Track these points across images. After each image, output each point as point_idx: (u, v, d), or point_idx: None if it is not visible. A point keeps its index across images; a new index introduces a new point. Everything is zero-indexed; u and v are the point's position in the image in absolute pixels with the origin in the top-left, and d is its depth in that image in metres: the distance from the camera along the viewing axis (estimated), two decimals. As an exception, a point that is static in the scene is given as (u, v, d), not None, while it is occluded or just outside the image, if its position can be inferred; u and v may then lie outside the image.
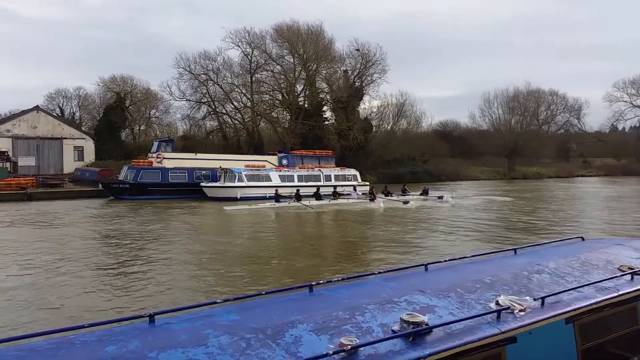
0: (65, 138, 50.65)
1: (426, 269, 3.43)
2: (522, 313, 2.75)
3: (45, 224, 20.56)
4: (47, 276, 10.92)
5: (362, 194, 31.50)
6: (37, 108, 51.46)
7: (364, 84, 57.74)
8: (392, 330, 2.35)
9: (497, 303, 2.83)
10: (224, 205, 26.52)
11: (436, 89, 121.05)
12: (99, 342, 2.02)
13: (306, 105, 54.98)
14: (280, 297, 2.84)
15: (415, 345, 2.25)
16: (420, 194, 31.50)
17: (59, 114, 60.82)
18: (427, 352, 2.22)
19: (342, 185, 38.03)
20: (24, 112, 50.96)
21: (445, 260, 3.81)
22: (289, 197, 28.13)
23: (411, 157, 57.39)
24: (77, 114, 66.79)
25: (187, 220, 22.27)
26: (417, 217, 22.67)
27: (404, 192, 32.02)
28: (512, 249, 4.15)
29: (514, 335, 2.59)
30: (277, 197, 27.40)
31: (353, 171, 40.37)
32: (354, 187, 33.39)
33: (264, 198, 31.22)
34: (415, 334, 2.31)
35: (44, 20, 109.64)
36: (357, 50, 56.70)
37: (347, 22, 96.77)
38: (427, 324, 2.37)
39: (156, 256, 13.44)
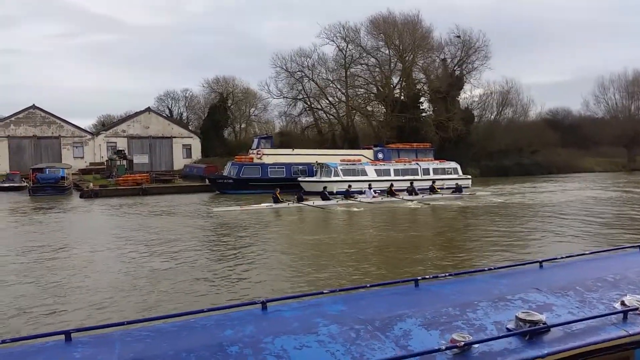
0: (175, 137, 54.17)
1: (541, 266, 3.25)
2: None
3: (174, 214, 22.33)
4: (178, 263, 11.69)
5: (377, 193, 27.73)
6: (148, 109, 55.61)
7: (464, 73, 55.15)
8: (507, 329, 2.27)
9: (623, 303, 2.62)
10: (215, 206, 24.72)
11: (544, 74, 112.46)
12: (217, 326, 2.13)
13: (402, 98, 53.73)
14: (386, 291, 2.86)
15: (533, 345, 2.16)
16: (453, 192, 29.48)
17: (168, 115, 65.16)
18: (546, 352, 2.12)
19: (440, 179, 36.62)
20: (137, 114, 55.31)
21: (562, 257, 3.57)
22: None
23: (518, 148, 53.72)
24: (185, 114, 71.23)
25: (285, 213, 22.47)
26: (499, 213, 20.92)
27: (432, 190, 29.31)
28: (637, 246, 3.72)
29: None
30: (276, 198, 24.06)
31: (453, 164, 38.57)
32: (369, 185, 29.09)
33: (360, 192, 30.87)
34: (532, 333, 2.21)
35: (149, 28, 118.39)
36: (458, 37, 54.22)
37: (447, 8, 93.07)
38: (544, 323, 2.26)
39: (262, 246, 13.99)
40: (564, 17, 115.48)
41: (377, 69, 54.73)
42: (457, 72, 54.85)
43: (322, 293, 2.79)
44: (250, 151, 38.43)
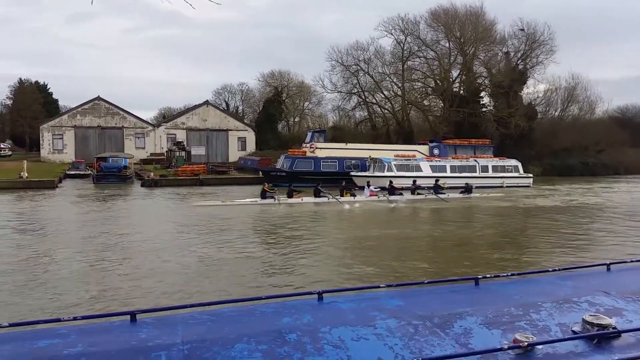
0: (231, 130, 55.20)
1: (608, 269, 3.12)
2: None
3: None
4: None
5: (377, 189, 24.87)
6: (207, 103, 56.97)
7: (528, 67, 52.71)
8: (573, 331, 2.17)
9: None
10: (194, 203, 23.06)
11: (613, 69, 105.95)
12: (274, 313, 2.17)
13: (461, 92, 52.10)
14: (444, 288, 2.82)
15: (601, 349, 2.04)
16: (462, 192, 26.18)
17: (225, 108, 66.50)
18: (616, 358, 1.99)
19: (500, 177, 35.16)
20: (196, 107, 56.78)
21: (632, 261, 3.41)
22: (275, 192, 22.94)
23: (583, 147, 50.82)
24: (240, 107, 72.48)
25: (335, 209, 22.20)
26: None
27: (437, 189, 25.53)
28: None
29: None
30: (264, 192, 22.28)
31: (514, 162, 36.95)
32: (368, 182, 26.45)
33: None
34: (601, 337, 2.08)
35: (212, 23, 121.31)
36: (522, 30, 51.85)
37: (512, 0, 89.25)
38: (614, 328, 2.13)
39: (313, 239, 14.00)
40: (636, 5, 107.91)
41: (435, 62, 53.36)
42: (520, 67, 52.55)
43: (379, 287, 2.77)
44: (304, 145, 38.45)
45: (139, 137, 52.89)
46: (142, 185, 33.26)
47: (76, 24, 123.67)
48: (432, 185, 26.21)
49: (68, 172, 38.78)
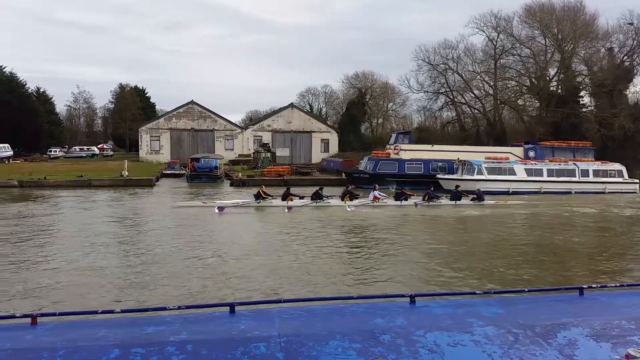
0: (314, 131, 55.78)
1: None
2: None
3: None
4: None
5: (383, 195, 23.01)
6: (291, 105, 58.02)
7: (635, 63, 48.14)
8: None
9: None
10: (176, 202, 22.94)
11: None
12: (366, 313, 2.16)
13: (559, 91, 48.73)
14: (546, 297, 2.75)
15: None
16: (473, 199, 23.63)
17: (309, 110, 67.33)
18: None
19: (602, 182, 32.39)
20: (281, 109, 58.03)
21: None
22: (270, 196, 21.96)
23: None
24: (324, 109, 73.08)
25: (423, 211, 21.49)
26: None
27: (455, 195, 23.67)
28: None
29: None
30: (258, 195, 21.52)
31: (617, 166, 33.88)
32: (374, 185, 24.30)
33: (506, 193, 28.59)
34: None
35: (297, 27, 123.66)
36: (630, 24, 47.35)
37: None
38: None
39: (403, 241, 13.81)
40: None
41: (530, 60, 50.33)
42: (626, 63, 48.12)
43: (475, 293, 2.73)
44: (388, 146, 37.80)
45: (228, 139, 54.94)
46: (230, 185, 34.41)
47: (171, 32, 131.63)
48: (452, 190, 24.56)
49: (164, 172, 40.99)
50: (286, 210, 20.09)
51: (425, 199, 22.78)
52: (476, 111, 53.86)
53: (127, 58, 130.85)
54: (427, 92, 55.13)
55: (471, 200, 23.58)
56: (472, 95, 53.19)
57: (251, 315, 2.09)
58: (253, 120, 67.43)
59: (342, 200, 22.13)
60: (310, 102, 72.73)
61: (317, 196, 21.79)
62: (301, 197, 22.02)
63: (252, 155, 50.50)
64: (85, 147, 63.83)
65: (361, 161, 37.78)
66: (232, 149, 54.21)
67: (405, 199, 22.83)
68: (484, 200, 23.55)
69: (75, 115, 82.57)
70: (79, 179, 32.93)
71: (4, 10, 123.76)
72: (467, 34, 61.14)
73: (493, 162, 32.31)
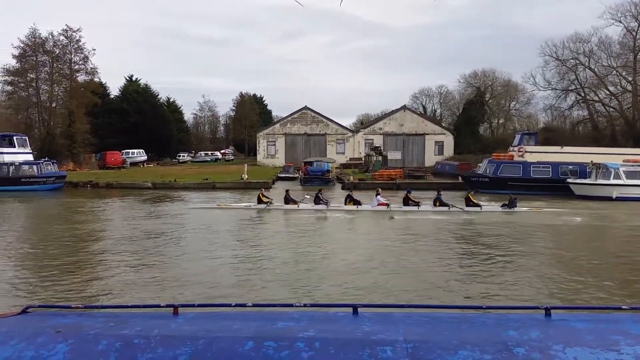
0: (428, 134, 54.20)
1: None
2: None
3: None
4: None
5: (387, 200, 21.55)
6: (404, 107, 56.99)
7: None
8: None
9: None
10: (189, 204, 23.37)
11: None
12: (497, 324, 2.05)
13: None
14: None
15: None
16: (504, 205, 21.31)
17: (422, 112, 65.66)
18: None
19: None
20: (393, 112, 57.28)
21: None
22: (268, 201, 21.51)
23: None
24: (438, 110, 70.84)
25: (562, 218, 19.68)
26: None
27: (468, 202, 21.39)
28: None
29: None
30: (259, 199, 21.40)
31: None
32: (377, 190, 22.93)
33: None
34: None
35: (408, 28, 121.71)
36: None
37: None
38: None
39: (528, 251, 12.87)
40: None
41: (679, 51, 44.36)
42: None
43: (620, 308, 2.49)
44: (510, 148, 35.45)
45: (339, 143, 55.46)
46: (342, 188, 34.48)
47: (286, 42, 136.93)
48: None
49: (279, 175, 42.44)
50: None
51: (437, 205, 21.04)
52: (611, 109, 48.80)
53: (246, 68, 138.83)
54: (555, 89, 51.40)
55: (501, 207, 21.49)
56: (607, 92, 48.28)
57: (375, 318, 2.06)
58: (364, 123, 67.39)
59: (345, 205, 21.32)
60: (423, 103, 71.06)
61: (317, 200, 21.25)
62: (297, 202, 21.67)
63: (363, 158, 50.36)
64: (209, 152, 68.56)
65: (480, 164, 35.74)
66: (344, 153, 54.61)
67: (417, 205, 21.05)
68: (515, 207, 21.30)
69: (200, 123, 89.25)
70: (204, 181, 35.29)
71: (135, 28, 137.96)
72: (601, 25, 55.60)
73: (632, 165, 28.80)
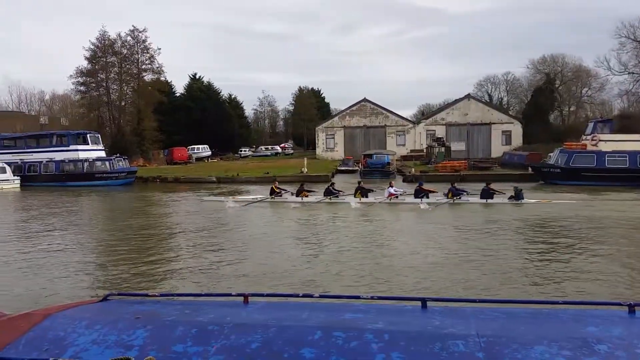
0: (494, 123, 52.12)
1: None
2: None
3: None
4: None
5: (400, 192, 21.46)
6: (468, 96, 55.09)
7: None
8: None
9: None
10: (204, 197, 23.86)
11: None
12: (575, 320, 1.99)
13: None
14: None
15: None
16: (511, 197, 20.20)
17: (488, 100, 63.24)
18: None
19: None
20: (456, 101, 55.53)
21: None
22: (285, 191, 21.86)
23: None
24: (505, 98, 68.02)
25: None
26: None
27: (486, 192, 20.44)
28: None
29: None
30: (272, 191, 21.67)
31: None
32: (390, 182, 22.58)
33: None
34: None
35: (469, 15, 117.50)
36: None
37: None
38: None
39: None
40: None
41: None
42: None
43: None
44: (583, 137, 33.35)
45: (399, 135, 54.52)
46: (404, 181, 33.83)
47: (343, 34, 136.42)
48: (483, 187, 20.85)
49: (339, 168, 42.33)
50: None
51: (449, 196, 20.34)
52: (700, 92, 44.68)
53: (305, 62, 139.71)
54: (633, 73, 47.70)
55: (508, 199, 20.35)
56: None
57: (445, 312, 2.04)
58: (425, 114, 65.83)
59: (355, 196, 21.02)
60: (489, 91, 68.44)
61: (328, 192, 21.29)
62: (302, 195, 21.59)
63: (424, 150, 49.23)
64: (270, 147, 69.63)
65: (550, 154, 33.93)
66: (404, 145, 53.63)
67: (427, 197, 20.44)
68: (522, 199, 20.18)
69: (260, 118, 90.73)
70: (265, 175, 35.79)
71: (199, 27, 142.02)
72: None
73: None
